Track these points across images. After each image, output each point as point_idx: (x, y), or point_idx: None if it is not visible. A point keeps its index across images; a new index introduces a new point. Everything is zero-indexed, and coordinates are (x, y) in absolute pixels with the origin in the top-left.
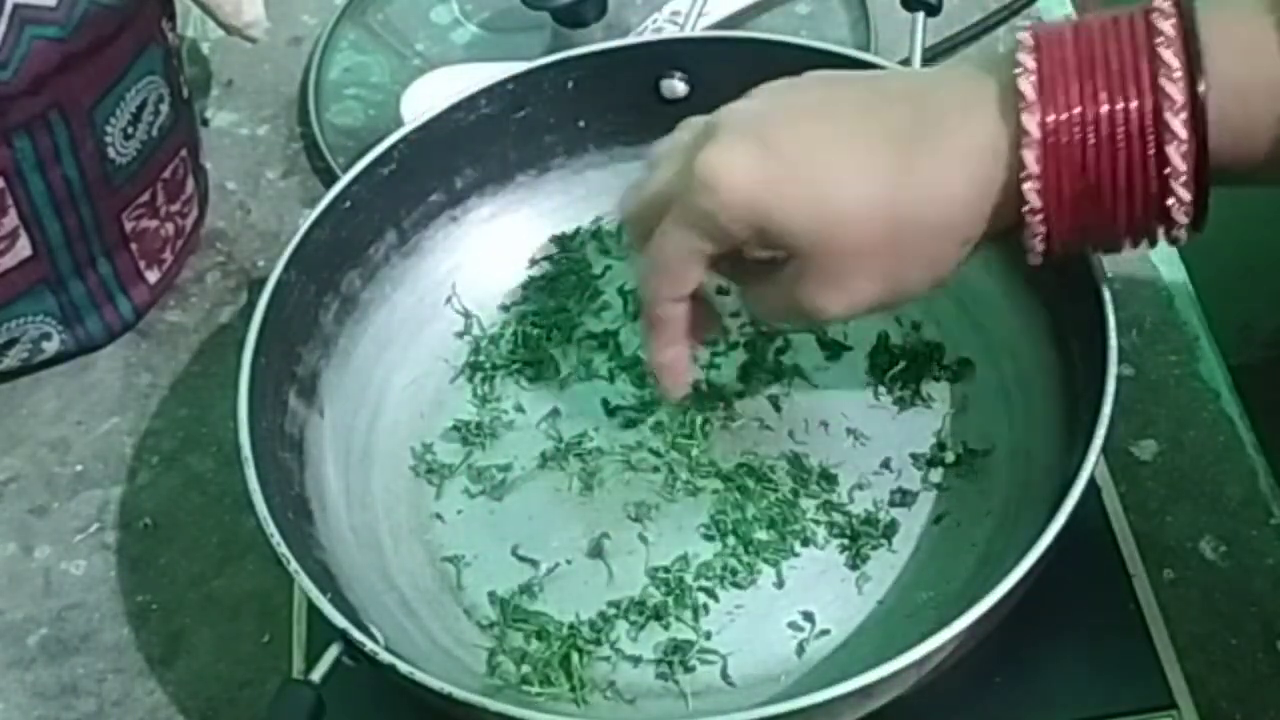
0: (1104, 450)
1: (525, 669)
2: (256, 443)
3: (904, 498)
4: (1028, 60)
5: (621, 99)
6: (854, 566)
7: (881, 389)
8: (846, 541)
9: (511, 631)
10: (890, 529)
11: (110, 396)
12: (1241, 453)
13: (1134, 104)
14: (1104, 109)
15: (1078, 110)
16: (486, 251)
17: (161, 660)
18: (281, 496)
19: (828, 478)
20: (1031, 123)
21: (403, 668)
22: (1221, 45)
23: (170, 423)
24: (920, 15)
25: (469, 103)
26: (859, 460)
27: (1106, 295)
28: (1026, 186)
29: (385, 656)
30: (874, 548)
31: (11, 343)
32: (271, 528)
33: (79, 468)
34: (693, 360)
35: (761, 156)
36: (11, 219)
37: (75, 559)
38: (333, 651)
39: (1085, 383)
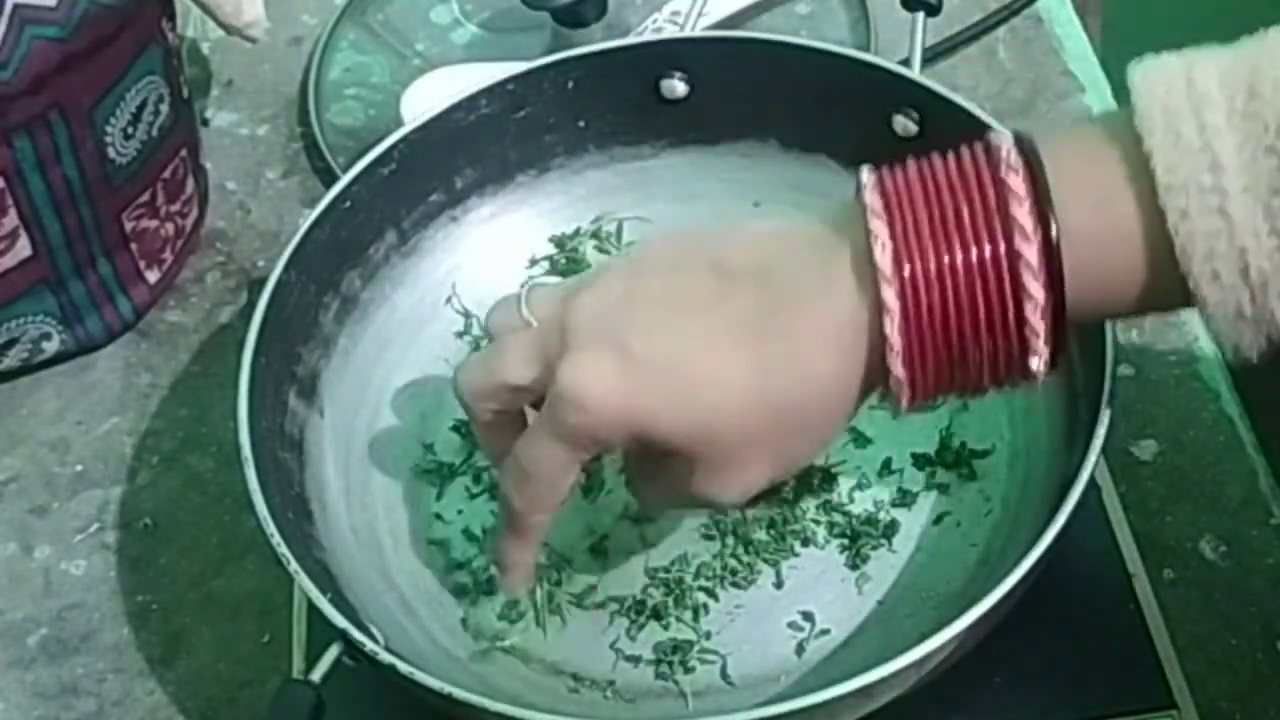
0: (1104, 450)
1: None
2: (256, 443)
3: (904, 498)
4: (880, 228)
5: (621, 99)
6: (854, 566)
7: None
8: (846, 541)
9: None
10: (890, 529)
11: (110, 396)
12: (1241, 453)
13: (987, 250)
14: (962, 277)
15: (934, 274)
16: (486, 251)
17: (161, 660)
18: (281, 496)
19: (828, 478)
20: (890, 294)
21: (403, 668)
22: (1074, 198)
23: (170, 423)
24: (920, 15)
25: (469, 103)
26: (859, 460)
27: None
28: (891, 358)
29: (385, 656)
30: (874, 548)
31: (11, 343)
32: (271, 528)
33: (79, 468)
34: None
35: (621, 367)
36: (11, 219)
37: (75, 559)
38: (333, 651)
39: (1085, 383)
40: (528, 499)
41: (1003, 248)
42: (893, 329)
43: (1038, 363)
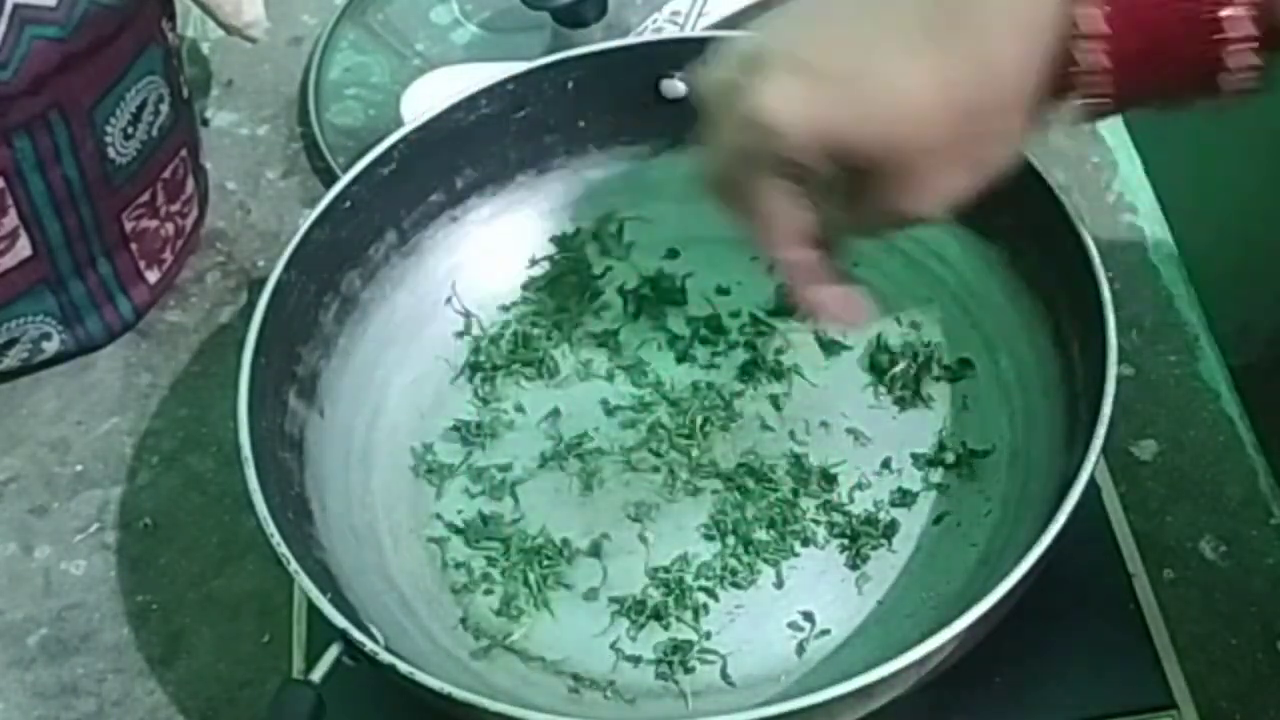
0: (1104, 450)
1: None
2: (256, 443)
3: (904, 498)
4: None
5: (621, 99)
6: (854, 566)
7: (882, 389)
8: (846, 541)
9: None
10: (890, 529)
11: (110, 396)
12: (1241, 453)
13: None
14: None
15: None
16: (486, 251)
17: (161, 660)
18: (281, 496)
19: (828, 478)
20: None
21: (403, 668)
22: None
23: (170, 423)
24: None
25: (469, 103)
26: (859, 460)
27: (1106, 295)
28: (1084, 44)
29: (385, 656)
30: (874, 548)
31: (11, 343)
32: (271, 528)
33: (79, 468)
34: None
35: (813, 85)
36: (11, 219)
37: (75, 559)
38: (333, 651)
39: (1085, 383)
40: (768, 241)
41: None
42: (1097, 14)
43: (1239, 52)
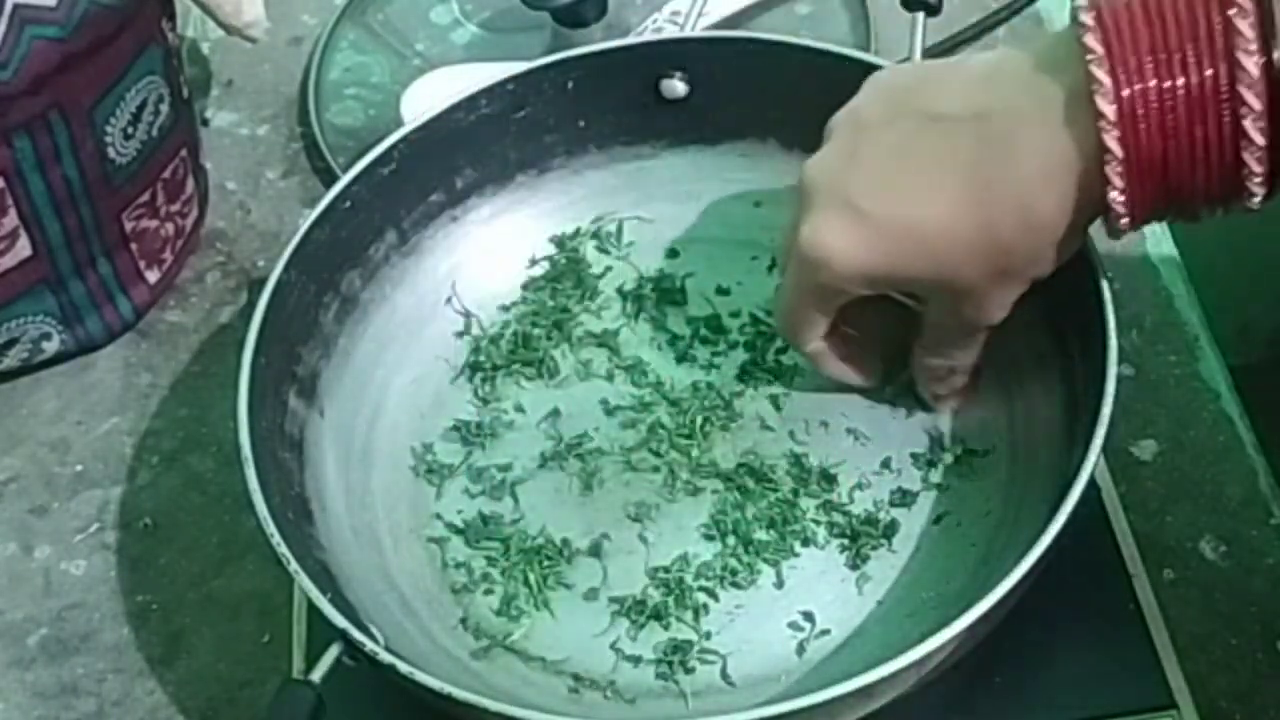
0: (1104, 450)
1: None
2: (256, 443)
3: (904, 498)
4: (1094, 44)
5: (621, 99)
6: (854, 566)
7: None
8: (846, 541)
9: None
10: (890, 529)
11: (110, 396)
12: (1241, 453)
13: (1208, 74)
14: (1180, 82)
15: (1154, 85)
16: (486, 251)
17: (161, 660)
18: (281, 496)
19: (828, 478)
20: (1109, 108)
21: (403, 668)
22: None
23: (170, 423)
24: (920, 15)
25: (469, 103)
26: (859, 460)
27: (1107, 295)
28: (1109, 170)
29: (385, 656)
30: (874, 548)
31: (11, 343)
32: (271, 528)
33: (79, 468)
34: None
35: (855, 225)
36: (11, 219)
37: (75, 559)
38: (333, 651)
39: (1085, 383)
40: (799, 341)
41: (1222, 55)
42: (1113, 140)
43: (1252, 179)
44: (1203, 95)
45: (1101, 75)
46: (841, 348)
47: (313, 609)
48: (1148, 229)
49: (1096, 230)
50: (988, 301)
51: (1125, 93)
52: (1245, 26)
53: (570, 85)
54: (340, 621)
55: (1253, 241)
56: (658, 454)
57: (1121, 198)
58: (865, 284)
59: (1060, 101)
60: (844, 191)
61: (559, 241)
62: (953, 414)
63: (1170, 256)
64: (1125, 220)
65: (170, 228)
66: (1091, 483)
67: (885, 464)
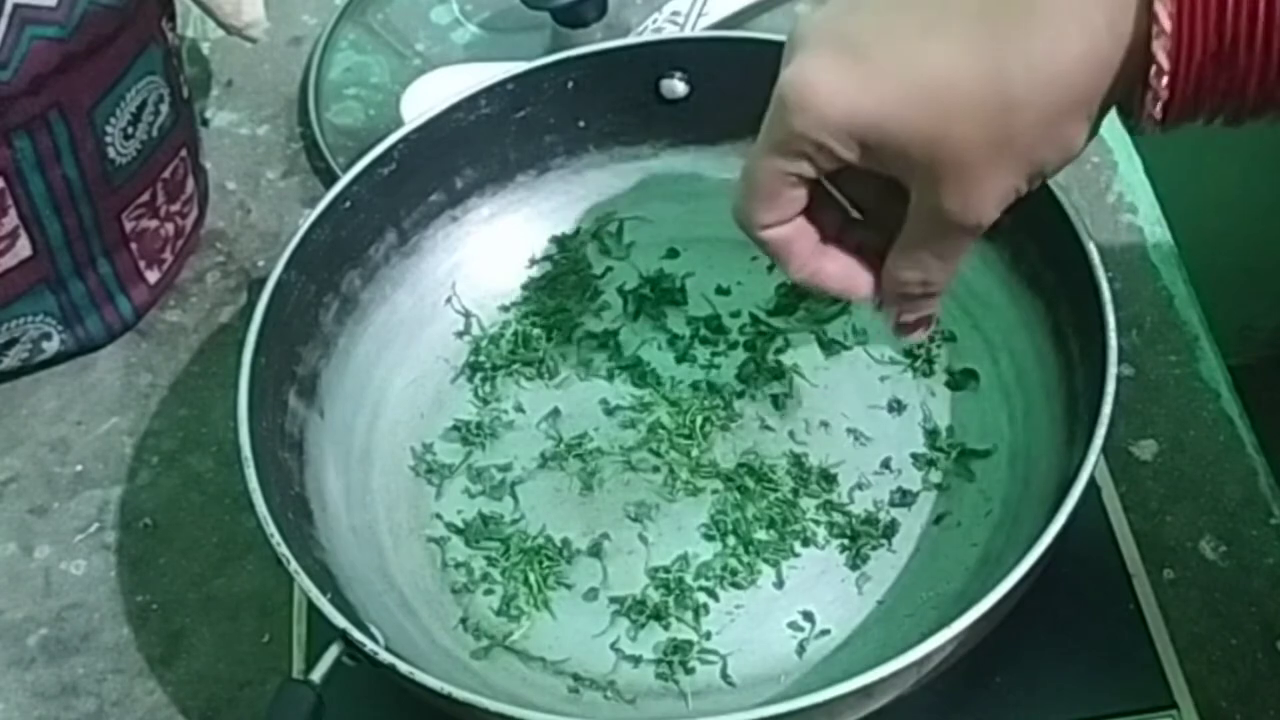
0: (1104, 450)
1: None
2: (256, 443)
3: (904, 498)
4: None
5: (621, 99)
6: (854, 566)
7: (883, 389)
8: (846, 541)
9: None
10: (890, 529)
11: (110, 396)
12: (1241, 453)
13: None
14: None
15: None
16: (486, 251)
17: (161, 660)
18: (281, 496)
19: (828, 478)
20: None
21: (403, 668)
22: None
23: (170, 423)
24: None
25: (469, 103)
26: (859, 460)
27: (1106, 295)
28: (1156, 46)
29: (385, 656)
30: (874, 548)
31: (11, 343)
32: (271, 528)
33: (79, 468)
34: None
35: (850, 63)
36: (11, 219)
37: (75, 559)
38: (333, 651)
39: (1085, 383)
40: (745, 212)
41: None
42: (1164, 12)
43: None
44: None
45: None
46: (809, 240)
47: (313, 609)
48: (1148, 229)
49: (1094, 228)
50: (978, 186)
51: None
52: None
53: (570, 85)
54: (340, 621)
55: (1253, 242)
56: (658, 454)
57: (1167, 62)
58: (847, 137)
59: None
60: (840, 32)
61: (559, 241)
62: (953, 414)
63: (1170, 256)
64: (1160, 106)
65: (170, 228)
66: (1091, 483)
67: (885, 464)
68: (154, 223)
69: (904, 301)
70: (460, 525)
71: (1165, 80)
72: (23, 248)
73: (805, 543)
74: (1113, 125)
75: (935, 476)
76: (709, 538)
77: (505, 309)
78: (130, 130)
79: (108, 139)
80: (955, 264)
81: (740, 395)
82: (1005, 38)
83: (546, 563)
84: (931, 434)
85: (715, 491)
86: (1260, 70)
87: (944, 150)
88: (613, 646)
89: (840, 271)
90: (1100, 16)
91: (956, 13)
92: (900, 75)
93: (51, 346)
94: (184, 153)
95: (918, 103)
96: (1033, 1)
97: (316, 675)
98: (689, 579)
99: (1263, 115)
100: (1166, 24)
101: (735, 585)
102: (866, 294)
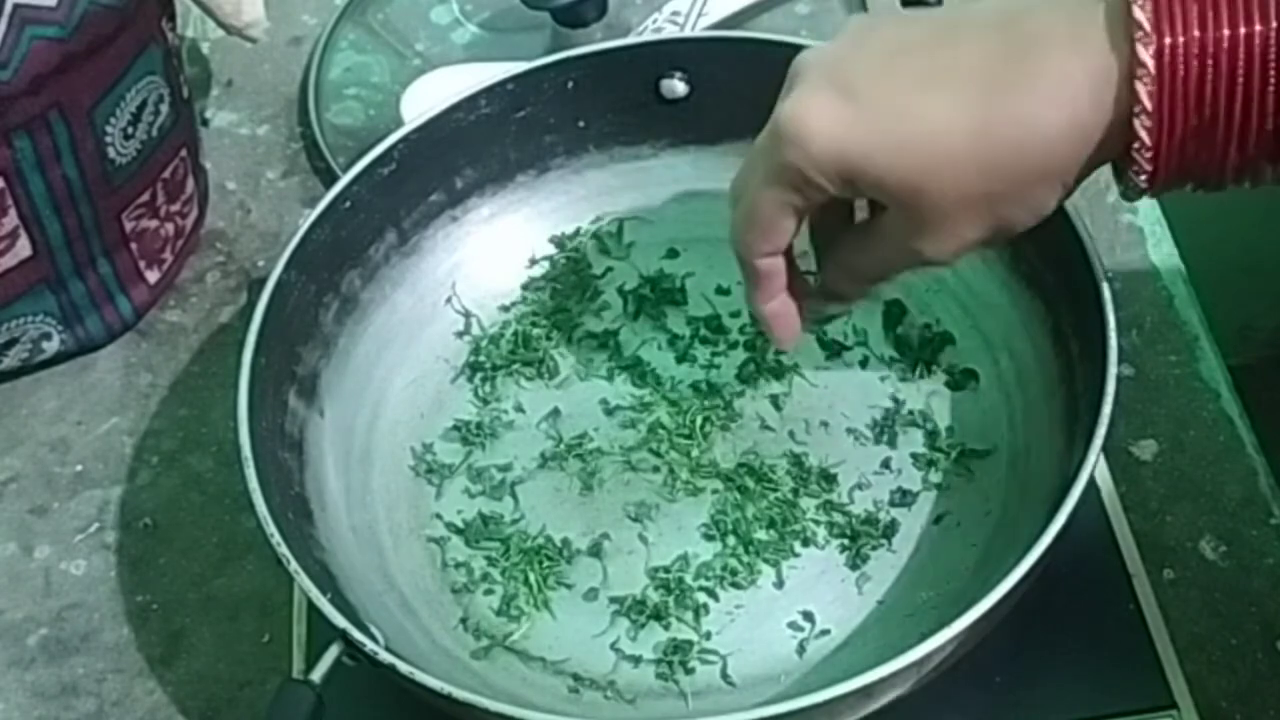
0: (1104, 450)
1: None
2: (256, 443)
3: (904, 498)
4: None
5: (621, 99)
6: (854, 566)
7: (883, 388)
8: (846, 541)
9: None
10: (890, 529)
11: (110, 396)
12: (1241, 453)
13: (1257, 29)
14: (1225, 33)
15: (1196, 37)
16: (486, 251)
17: (161, 660)
18: (281, 496)
19: (828, 478)
20: (1147, 54)
21: (403, 668)
22: None
23: (170, 423)
24: None
25: (469, 103)
26: (859, 460)
27: (1106, 295)
28: (1137, 124)
29: (385, 656)
30: (874, 548)
31: (11, 343)
32: (271, 528)
33: (79, 468)
34: (801, 314)
35: (843, 104)
36: (11, 219)
37: (75, 559)
38: (333, 651)
39: (1085, 383)
40: (747, 242)
41: (1272, 9)
42: (1145, 91)
43: None
44: (1248, 52)
45: (1140, 13)
46: (784, 275)
47: (313, 609)
48: (1148, 229)
49: (1094, 228)
50: (948, 231)
51: (1168, 40)
52: None
53: (570, 85)
54: (340, 621)
55: (1253, 242)
56: (658, 454)
57: (1149, 139)
58: (836, 174)
59: (1101, 23)
60: (838, 72)
61: (559, 241)
62: (953, 415)
63: (1170, 257)
64: (1145, 178)
65: (170, 228)
66: (1091, 483)
67: (885, 464)
68: (154, 223)
69: (830, 301)
70: (460, 525)
71: (1149, 154)
72: (23, 248)
73: (805, 543)
74: None
75: (935, 476)
76: (709, 538)
77: (505, 309)
78: (130, 130)
79: (108, 139)
80: (892, 283)
81: (740, 395)
82: (996, 100)
83: (546, 563)
84: (931, 434)
85: (715, 491)
86: (1239, 143)
87: (923, 199)
88: (613, 646)
89: (790, 313)
90: (1086, 89)
91: (953, 69)
92: (891, 123)
93: (51, 346)
94: (184, 153)
95: (904, 152)
96: (1025, 67)
97: (316, 675)
98: (689, 579)
99: (1244, 183)
100: (1147, 103)
101: (735, 585)
102: (791, 342)
